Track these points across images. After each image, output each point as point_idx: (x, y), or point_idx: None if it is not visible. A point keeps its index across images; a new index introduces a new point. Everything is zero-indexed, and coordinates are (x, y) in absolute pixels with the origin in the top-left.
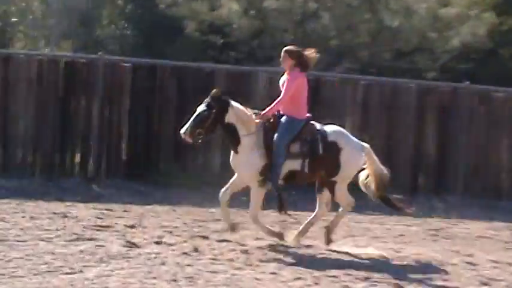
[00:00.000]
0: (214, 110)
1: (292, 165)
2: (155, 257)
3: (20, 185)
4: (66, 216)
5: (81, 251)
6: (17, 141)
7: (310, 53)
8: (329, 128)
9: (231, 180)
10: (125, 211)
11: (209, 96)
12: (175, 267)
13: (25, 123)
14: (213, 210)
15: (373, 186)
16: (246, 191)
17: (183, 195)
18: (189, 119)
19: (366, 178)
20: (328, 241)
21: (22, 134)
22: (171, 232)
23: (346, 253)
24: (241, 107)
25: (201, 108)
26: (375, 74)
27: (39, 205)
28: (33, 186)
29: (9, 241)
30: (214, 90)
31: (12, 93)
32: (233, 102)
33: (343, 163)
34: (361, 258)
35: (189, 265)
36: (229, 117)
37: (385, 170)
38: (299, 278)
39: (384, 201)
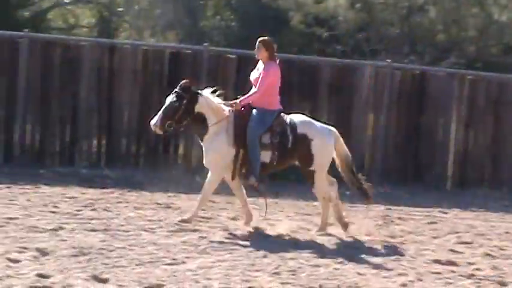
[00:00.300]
0: (184, 101)
1: (262, 156)
2: (258, 250)
3: (124, 175)
4: (169, 207)
5: (184, 242)
6: (122, 131)
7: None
8: (297, 119)
9: None
10: (227, 203)
11: (178, 87)
12: (278, 260)
13: (129, 113)
14: (316, 203)
15: (342, 171)
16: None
17: (286, 188)
18: (159, 110)
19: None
20: (345, 226)
21: (126, 124)
22: (273, 225)
23: (451, 250)
24: (211, 96)
25: (171, 99)
26: (481, 69)
27: (143, 195)
28: (137, 177)
29: (113, 231)
30: (184, 81)
31: (117, 83)
32: (203, 92)
33: (315, 153)
34: (465, 256)
35: (291, 258)
36: (199, 107)
37: (349, 153)
38: (402, 274)
39: (354, 185)
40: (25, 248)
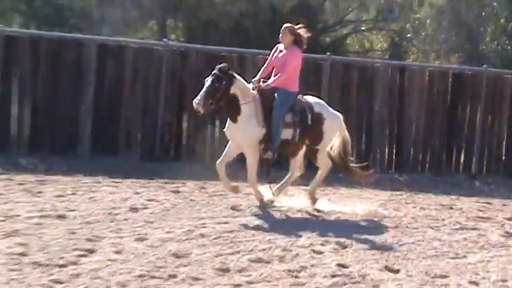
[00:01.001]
0: (224, 82)
1: (284, 134)
2: None
3: (412, 179)
4: (451, 208)
5: (465, 239)
6: (409, 141)
7: (305, 32)
8: (312, 100)
9: (225, 151)
10: (503, 205)
11: (217, 70)
12: None
13: (417, 126)
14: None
15: (337, 151)
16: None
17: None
18: (201, 90)
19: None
20: (314, 201)
21: (414, 135)
22: None
23: None
24: (242, 79)
25: (211, 80)
26: None
27: (429, 197)
28: (423, 181)
29: (402, 228)
30: (222, 64)
31: (407, 99)
32: (236, 75)
33: (325, 132)
34: None
35: None
36: (234, 89)
37: (349, 138)
38: None
39: (347, 171)
40: (327, 242)
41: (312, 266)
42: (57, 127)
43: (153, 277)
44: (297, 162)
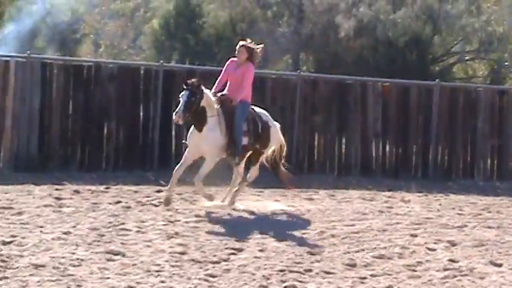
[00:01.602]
0: (198, 96)
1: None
2: None
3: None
4: None
5: None
6: (509, 153)
7: (258, 48)
8: (258, 110)
9: (183, 159)
10: None
11: (190, 85)
12: None
13: None
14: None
15: (275, 155)
16: None
17: None
18: (179, 104)
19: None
20: (232, 203)
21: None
22: None
23: None
24: (209, 93)
25: (187, 95)
26: None
27: None
28: None
29: (504, 228)
30: (194, 80)
31: (506, 117)
32: (205, 90)
33: (271, 138)
34: None
35: None
36: (203, 102)
37: (284, 143)
38: None
39: (276, 171)
40: (439, 240)
41: (427, 261)
42: None
43: (291, 271)
44: (241, 168)
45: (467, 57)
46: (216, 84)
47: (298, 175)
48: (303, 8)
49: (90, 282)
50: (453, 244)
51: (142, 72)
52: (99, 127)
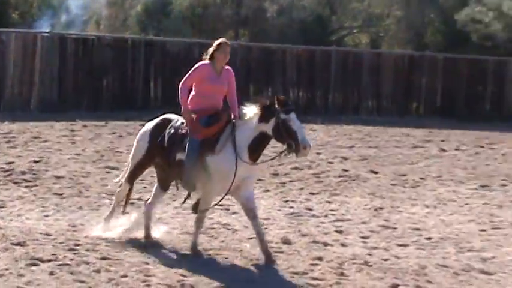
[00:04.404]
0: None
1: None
2: None
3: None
4: None
5: None
6: None
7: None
8: None
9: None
10: None
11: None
12: None
13: None
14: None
15: None
16: None
17: None
18: (303, 132)
19: None
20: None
21: None
22: None
23: None
24: None
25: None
26: None
27: None
28: None
29: (380, 147)
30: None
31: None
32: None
33: None
34: None
35: None
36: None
37: None
38: None
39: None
40: (336, 156)
41: (327, 170)
42: None
43: None
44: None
45: (355, 31)
46: (181, 94)
47: None
48: None
49: (94, 188)
50: (345, 159)
51: (129, 42)
52: (100, 80)
